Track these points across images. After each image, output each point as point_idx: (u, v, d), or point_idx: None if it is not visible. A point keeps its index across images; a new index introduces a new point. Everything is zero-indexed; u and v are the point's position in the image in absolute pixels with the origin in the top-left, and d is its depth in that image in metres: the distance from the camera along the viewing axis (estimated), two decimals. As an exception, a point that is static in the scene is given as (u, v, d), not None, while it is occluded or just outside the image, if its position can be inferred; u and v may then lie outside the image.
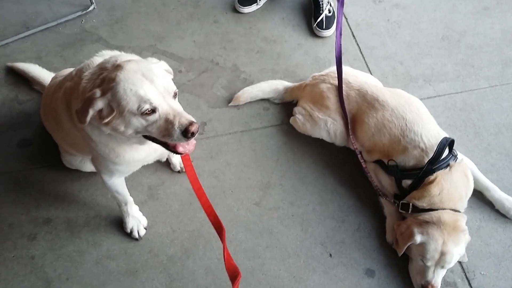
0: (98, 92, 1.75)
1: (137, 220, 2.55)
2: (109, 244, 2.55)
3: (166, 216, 2.65)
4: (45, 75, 2.97)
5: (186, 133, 1.78)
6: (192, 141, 1.89)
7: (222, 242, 2.06)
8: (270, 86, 3.11)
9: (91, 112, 1.74)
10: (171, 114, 1.78)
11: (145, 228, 2.58)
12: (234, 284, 1.93)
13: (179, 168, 2.76)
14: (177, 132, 1.78)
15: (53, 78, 2.50)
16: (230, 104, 3.09)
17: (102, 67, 1.86)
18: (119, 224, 2.59)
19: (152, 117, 1.78)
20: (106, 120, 1.77)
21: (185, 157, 2.16)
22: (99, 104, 1.74)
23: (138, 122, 1.78)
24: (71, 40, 3.39)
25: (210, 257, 2.52)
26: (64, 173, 2.73)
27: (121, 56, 1.90)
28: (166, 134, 1.81)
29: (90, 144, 2.03)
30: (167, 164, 2.78)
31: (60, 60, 3.26)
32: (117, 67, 1.79)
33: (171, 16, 3.58)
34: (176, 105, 1.84)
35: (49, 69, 3.05)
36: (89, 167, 2.57)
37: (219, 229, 2.10)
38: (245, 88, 3.10)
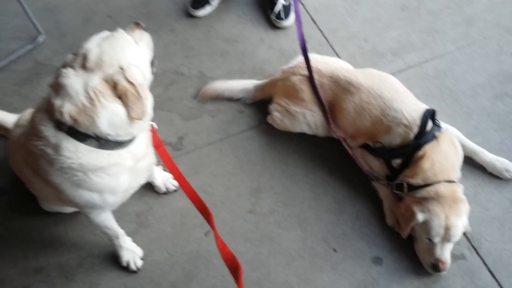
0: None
1: (131, 252, 2.45)
2: (107, 282, 2.45)
3: (161, 241, 2.55)
4: (6, 118, 2.80)
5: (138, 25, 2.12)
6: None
7: (212, 229, 1.98)
8: (239, 86, 3.03)
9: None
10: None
11: (142, 259, 2.48)
12: (238, 281, 1.81)
13: (164, 190, 2.67)
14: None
15: (16, 126, 2.33)
16: (197, 100, 3.06)
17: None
18: (113, 259, 2.49)
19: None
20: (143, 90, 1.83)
21: (160, 149, 2.17)
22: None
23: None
24: (26, 76, 3.23)
25: (213, 276, 2.44)
26: (47, 217, 2.60)
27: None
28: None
29: (80, 191, 1.90)
30: (151, 188, 2.67)
31: (19, 99, 3.11)
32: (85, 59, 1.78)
33: (126, 33, 3.45)
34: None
35: (10, 110, 2.88)
36: (70, 207, 2.45)
37: (206, 214, 2.03)
38: (213, 83, 3.06)
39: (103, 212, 2.18)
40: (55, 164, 1.79)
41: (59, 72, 1.77)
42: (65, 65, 1.79)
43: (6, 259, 2.53)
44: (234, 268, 1.86)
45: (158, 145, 2.18)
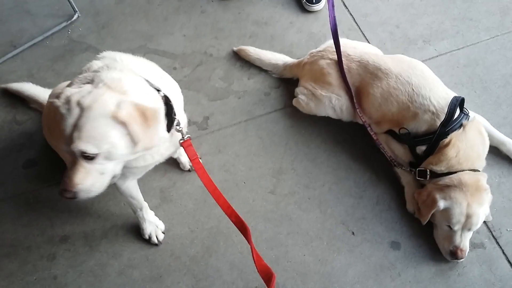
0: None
1: (154, 225, 2.51)
2: (129, 253, 2.52)
3: (182, 217, 2.61)
4: (40, 92, 2.91)
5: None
6: None
7: (249, 243, 2.01)
8: (270, 59, 3.09)
9: None
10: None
11: (163, 232, 2.55)
12: (270, 286, 1.87)
13: (188, 167, 2.71)
14: None
15: (51, 96, 2.41)
16: (234, 49, 3.22)
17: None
18: (136, 231, 2.56)
19: None
20: None
21: (195, 161, 2.09)
22: None
23: None
24: (60, 52, 3.32)
25: (232, 252, 2.48)
26: (74, 188, 2.69)
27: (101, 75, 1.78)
28: None
29: None
30: (176, 164, 2.73)
31: (52, 75, 3.20)
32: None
33: (157, 13, 3.50)
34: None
35: (43, 85, 2.98)
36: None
37: (242, 228, 2.04)
38: (251, 47, 3.15)
39: (128, 180, 2.23)
40: None
41: None
42: None
43: (34, 227, 2.63)
44: (268, 278, 1.92)
45: (193, 158, 2.09)
